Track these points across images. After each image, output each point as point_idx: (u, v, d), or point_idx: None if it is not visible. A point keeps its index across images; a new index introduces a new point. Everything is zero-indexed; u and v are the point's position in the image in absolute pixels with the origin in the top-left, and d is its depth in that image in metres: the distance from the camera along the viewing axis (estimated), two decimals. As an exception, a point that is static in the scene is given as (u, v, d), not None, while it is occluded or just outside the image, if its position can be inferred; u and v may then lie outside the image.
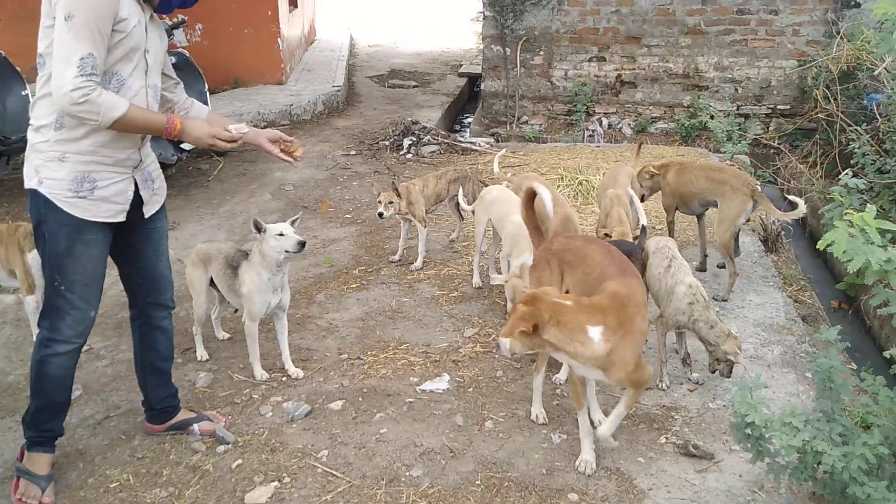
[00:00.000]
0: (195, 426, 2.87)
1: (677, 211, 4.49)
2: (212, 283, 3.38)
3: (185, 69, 6.23)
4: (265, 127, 7.84)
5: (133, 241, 2.58)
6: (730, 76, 7.98)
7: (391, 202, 4.35)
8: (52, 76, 2.19)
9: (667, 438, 2.88)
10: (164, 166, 5.88)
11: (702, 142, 7.70)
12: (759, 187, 4.05)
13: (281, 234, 3.02)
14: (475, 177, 4.95)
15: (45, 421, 2.56)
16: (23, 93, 5.98)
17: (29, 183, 2.33)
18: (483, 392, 3.19)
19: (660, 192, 4.54)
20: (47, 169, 2.31)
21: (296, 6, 11.11)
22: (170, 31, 6.20)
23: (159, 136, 2.39)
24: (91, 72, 2.16)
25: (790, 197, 3.99)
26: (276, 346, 3.39)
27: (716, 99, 8.00)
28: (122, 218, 2.44)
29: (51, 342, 2.44)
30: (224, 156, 6.77)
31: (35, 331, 2.98)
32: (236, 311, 3.55)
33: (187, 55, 6.35)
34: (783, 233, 5.12)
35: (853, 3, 7.40)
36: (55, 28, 2.17)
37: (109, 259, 2.54)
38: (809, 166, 6.83)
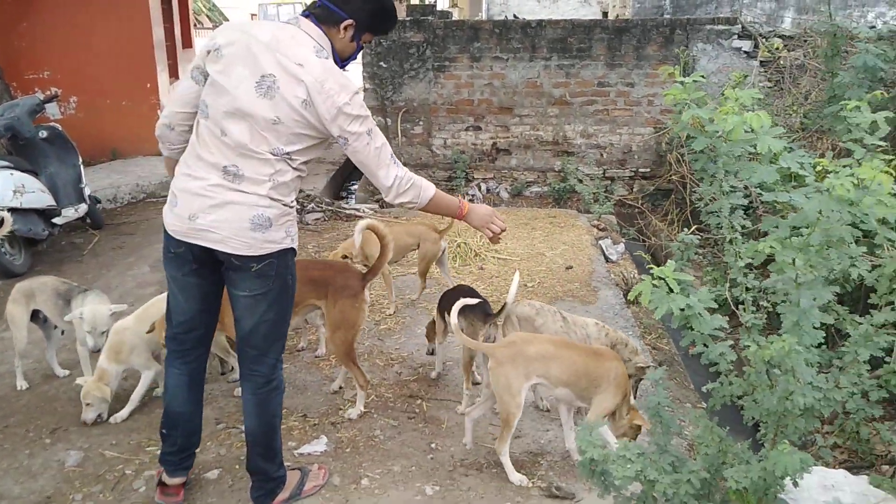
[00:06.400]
0: None
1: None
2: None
3: (56, 142, 6.15)
4: (144, 198, 7.82)
5: None
6: (595, 143, 8.63)
7: None
8: (376, 182, 2.54)
9: (533, 483, 3.06)
10: (35, 242, 5.78)
11: (572, 204, 8.23)
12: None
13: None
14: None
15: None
16: (75, 164, 5.99)
17: (281, 245, 2.54)
18: (360, 451, 3.29)
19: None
20: (294, 226, 2.61)
21: (177, 78, 11.12)
22: (41, 105, 6.14)
23: (451, 215, 2.75)
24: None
25: None
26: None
27: (583, 164, 8.61)
28: None
29: (281, 371, 2.77)
30: (100, 229, 6.63)
31: None
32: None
33: (59, 128, 6.26)
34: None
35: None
36: (357, 145, 2.46)
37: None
38: (668, 224, 7.44)
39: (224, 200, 2.44)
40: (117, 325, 3.57)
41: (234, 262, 2.51)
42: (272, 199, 2.48)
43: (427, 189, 2.63)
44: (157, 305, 3.67)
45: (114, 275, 5.66)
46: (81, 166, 6.32)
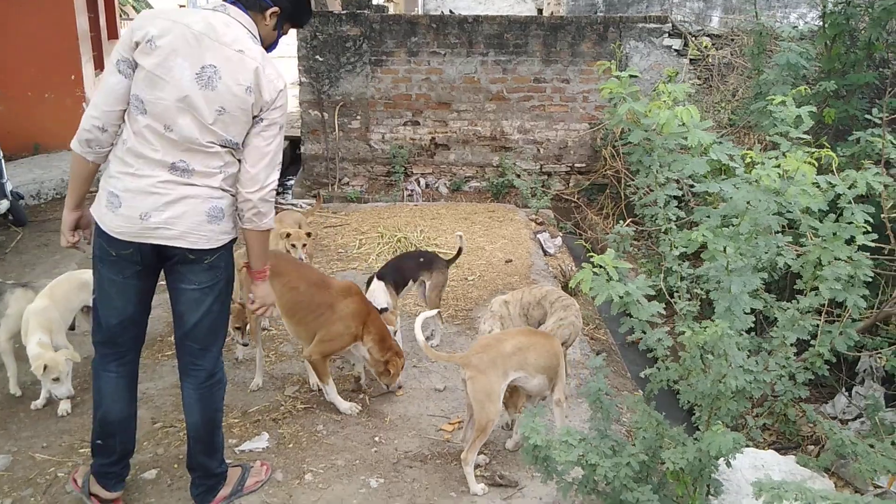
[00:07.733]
0: None
1: None
2: None
3: (-25, 136, 5.87)
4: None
5: None
6: (532, 138, 8.72)
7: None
8: (254, 171, 2.42)
9: (480, 472, 3.09)
10: (-48, 240, 5.50)
11: (510, 198, 8.31)
12: None
13: None
14: None
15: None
16: None
17: (231, 235, 2.55)
18: (303, 447, 3.26)
19: None
20: (236, 217, 2.54)
21: (103, 69, 10.74)
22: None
23: (258, 263, 2.62)
24: None
25: None
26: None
27: (521, 159, 8.70)
28: None
29: (223, 365, 2.74)
30: (23, 226, 6.36)
31: None
32: None
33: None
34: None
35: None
36: (268, 133, 2.44)
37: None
38: (603, 217, 7.60)
39: (179, 196, 2.39)
40: (34, 306, 3.49)
41: (188, 256, 2.47)
42: (223, 189, 2.47)
43: (271, 219, 2.55)
44: (62, 284, 3.71)
45: (38, 273, 5.43)
46: (2, 161, 6.05)
